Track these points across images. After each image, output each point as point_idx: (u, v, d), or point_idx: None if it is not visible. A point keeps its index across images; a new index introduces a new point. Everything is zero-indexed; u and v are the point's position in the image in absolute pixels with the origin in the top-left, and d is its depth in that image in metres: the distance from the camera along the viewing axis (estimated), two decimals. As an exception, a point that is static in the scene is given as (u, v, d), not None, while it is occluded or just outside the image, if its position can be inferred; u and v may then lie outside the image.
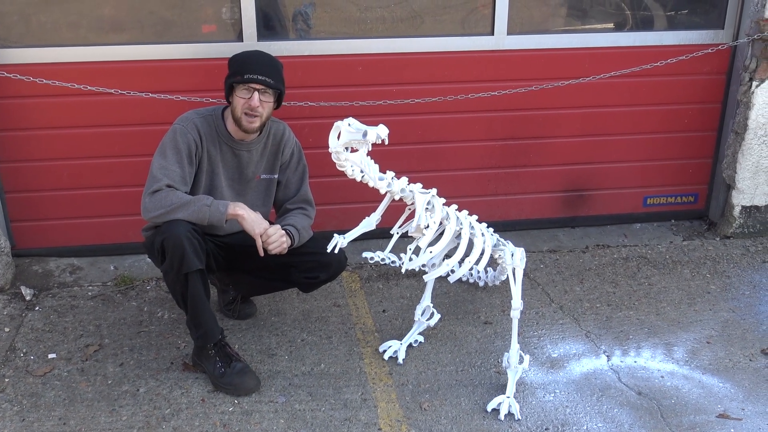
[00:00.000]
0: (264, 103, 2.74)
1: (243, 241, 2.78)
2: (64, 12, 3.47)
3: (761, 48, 3.83)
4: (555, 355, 3.04)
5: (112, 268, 3.72)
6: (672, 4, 4.09)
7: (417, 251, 2.63)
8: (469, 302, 3.45)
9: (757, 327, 3.26)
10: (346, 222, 3.79)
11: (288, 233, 2.79)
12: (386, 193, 2.56)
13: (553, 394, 2.78)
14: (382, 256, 3.53)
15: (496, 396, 2.69)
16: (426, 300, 3.02)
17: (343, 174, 2.43)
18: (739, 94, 3.98)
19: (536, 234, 4.17)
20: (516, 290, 2.69)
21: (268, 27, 3.63)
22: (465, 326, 3.25)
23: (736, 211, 4.12)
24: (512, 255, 2.75)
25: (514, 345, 2.71)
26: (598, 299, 3.49)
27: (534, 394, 2.78)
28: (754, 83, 3.89)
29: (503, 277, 3.30)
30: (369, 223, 2.65)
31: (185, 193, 2.72)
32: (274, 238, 2.70)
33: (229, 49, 3.09)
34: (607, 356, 3.03)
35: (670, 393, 2.79)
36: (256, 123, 2.75)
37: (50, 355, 2.99)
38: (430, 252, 2.59)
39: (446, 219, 2.66)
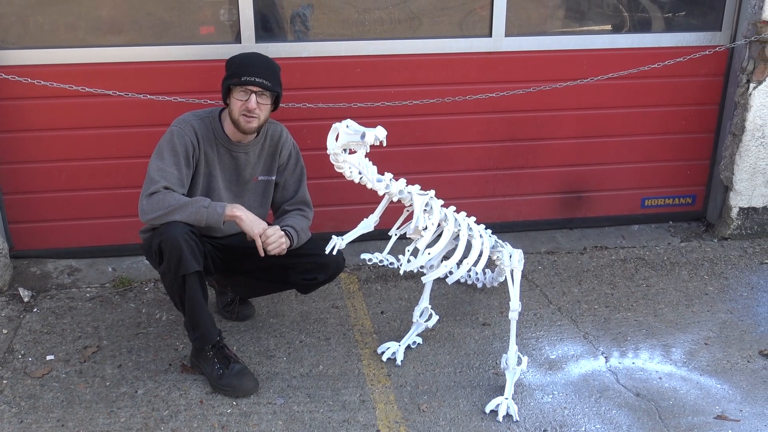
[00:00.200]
0: (261, 105, 2.74)
1: (241, 242, 2.78)
2: (63, 13, 3.47)
3: (758, 50, 3.84)
4: (553, 357, 3.04)
5: (110, 269, 3.71)
6: (669, 6, 4.10)
7: (415, 253, 2.64)
8: (468, 304, 3.46)
9: (754, 328, 3.26)
10: (344, 223, 3.79)
11: (287, 234, 2.79)
12: (384, 194, 2.56)
13: (551, 396, 2.78)
14: (381, 257, 3.53)
15: (494, 397, 2.69)
16: (424, 301, 3.02)
17: (341, 175, 2.43)
18: (737, 96, 3.99)
19: (534, 235, 4.17)
20: (514, 292, 2.69)
21: (266, 29, 3.63)
22: (463, 328, 3.25)
23: (734, 212, 4.13)
24: (510, 256, 2.75)
25: (513, 346, 2.72)
26: (596, 301, 3.50)
27: (532, 395, 2.79)
28: (752, 85, 3.89)
29: (501, 279, 3.31)
30: (367, 225, 2.65)
31: (183, 194, 2.72)
32: (273, 239, 2.70)
33: (227, 51, 3.09)
34: (605, 357, 3.03)
35: (668, 394, 2.79)
36: (254, 123, 2.75)
37: (48, 357, 2.98)
38: (429, 253, 2.59)
39: (444, 220, 2.66)
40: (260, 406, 2.69)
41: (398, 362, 2.96)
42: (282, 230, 2.78)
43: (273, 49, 3.49)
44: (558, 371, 2.94)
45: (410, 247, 2.64)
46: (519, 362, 2.74)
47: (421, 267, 3.14)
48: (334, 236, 2.63)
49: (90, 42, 3.50)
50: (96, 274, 3.68)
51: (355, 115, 3.42)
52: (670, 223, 4.37)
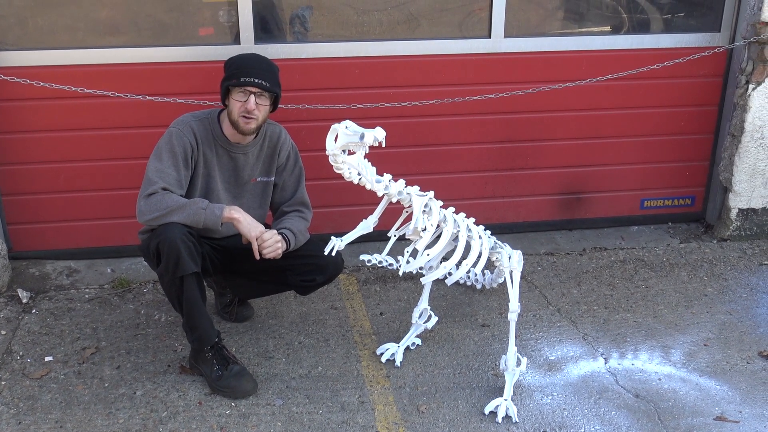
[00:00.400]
0: (260, 106, 2.74)
1: (239, 243, 2.78)
2: (62, 15, 3.46)
3: (757, 51, 3.84)
4: (552, 358, 3.04)
5: (109, 270, 3.71)
6: (668, 7, 4.10)
7: (414, 254, 2.63)
8: (467, 305, 3.45)
9: (754, 329, 3.26)
10: (343, 224, 3.79)
11: (284, 237, 2.79)
12: (384, 195, 2.55)
13: (550, 397, 2.78)
14: (380, 258, 3.54)
15: (493, 399, 2.69)
16: (423, 302, 3.02)
17: (340, 176, 2.43)
18: (736, 97, 3.99)
19: (533, 237, 4.17)
20: (513, 293, 2.69)
21: (266, 30, 3.63)
22: (462, 329, 3.24)
23: (733, 213, 4.13)
24: (509, 257, 2.75)
25: (512, 348, 2.72)
26: (596, 302, 3.49)
27: (531, 396, 2.78)
28: (751, 86, 3.90)
29: (500, 280, 3.30)
30: (366, 226, 2.65)
31: (181, 195, 2.72)
32: (269, 243, 2.70)
33: (226, 52, 3.09)
34: (605, 359, 3.03)
35: (667, 395, 2.79)
36: (253, 124, 2.75)
37: (47, 358, 2.98)
38: (428, 254, 2.59)
39: (443, 221, 2.66)
40: (259, 407, 2.69)
41: (397, 363, 2.95)
42: (279, 233, 2.78)
43: (272, 51, 3.49)
44: (557, 372, 2.94)
45: (409, 248, 2.64)
46: (518, 363, 2.74)
47: (420, 268, 3.13)
48: (333, 237, 2.62)
49: (89, 43, 3.50)
50: (95, 275, 3.67)
51: (354, 116, 3.42)
52: (670, 224, 4.37)
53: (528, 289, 3.60)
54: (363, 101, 3.70)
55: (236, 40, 3.57)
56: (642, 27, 4.09)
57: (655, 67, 3.93)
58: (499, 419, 2.62)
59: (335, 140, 2.29)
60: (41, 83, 3.38)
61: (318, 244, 2.81)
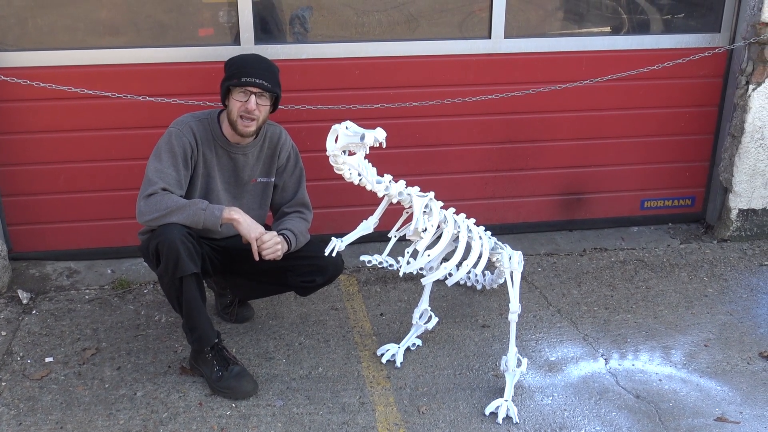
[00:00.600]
0: (260, 106, 2.74)
1: (239, 244, 2.78)
2: (62, 15, 3.46)
3: (757, 51, 3.84)
4: (553, 359, 3.03)
5: (109, 271, 3.71)
6: (669, 7, 4.10)
7: (415, 254, 2.63)
8: (467, 305, 3.45)
9: (754, 330, 3.26)
10: (343, 225, 3.77)
11: (285, 238, 2.79)
12: (384, 196, 2.55)
13: (551, 398, 2.78)
14: (380, 259, 3.54)
15: (494, 399, 2.69)
16: (424, 303, 3.02)
17: (340, 177, 2.43)
18: (736, 98, 3.99)
19: (534, 237, 4.17)
20: (514, 293, 2.69)
21: (266, 30, 3.63)
22: (463, 330, 3.24)
23: (733, 214, 4.13)
24: (510, 258, 2.75)
25: (512, 348, 2.72)
26: (596, 302, 3.49)
27: (532, 397, 2.78)
28: (751, 86, 3.90)
29: (501, 281, 3.30)
30: (367, 227, 2.64)
31: (181, 196, 2.72)
32: (269, 245, 2.69)
33: (226, 53, 3.09)
34: (605, 359, 3.03)
35: (668, 396, 2.79)
36: (252, 127, 2.75)
37: (47, 359, 2.98)
38: (428, 255, 2.59)
39: (444, 222, 2.66)
40: (259, 408, 2.69)
41: (398, 364, 2.95)
42: (280, 234, 2.78)
43: (272, 51, 3.49)
44: (558, 373, 2.93)
45: (410, 249, 2.64)
46: (519, 364, 2.74)
47: (421, 269, 3.13)
48: (333, 238, 2.62)
49: (89, 44, 3.50)
50: (95, 276, 3.67)
51: (355, 116, 3.42)
52: (670, 224, 4.37)
53: (528, 290, 3.60)
54: (363, 102, 3.70)
55: (236, 40, 3.57)
56: (642, 27, 4.09)
57: (655, 67, 3.93)
58: (500, 420, 2.62)
59: (336, 141, 2.29)
60: (41, 84, 3.38)
61: (318, 245, 2.81)
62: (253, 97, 2.70)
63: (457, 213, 2.73)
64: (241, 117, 2.72)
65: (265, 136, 2.92)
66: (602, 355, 3.06)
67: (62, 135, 3.58)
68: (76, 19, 3.47)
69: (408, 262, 2.65)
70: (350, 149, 2.32)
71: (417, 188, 2.62)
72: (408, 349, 3.05)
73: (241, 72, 2.71)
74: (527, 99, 3.87)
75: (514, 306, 2.68)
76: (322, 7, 3.68)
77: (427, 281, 2.73)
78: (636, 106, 4.06)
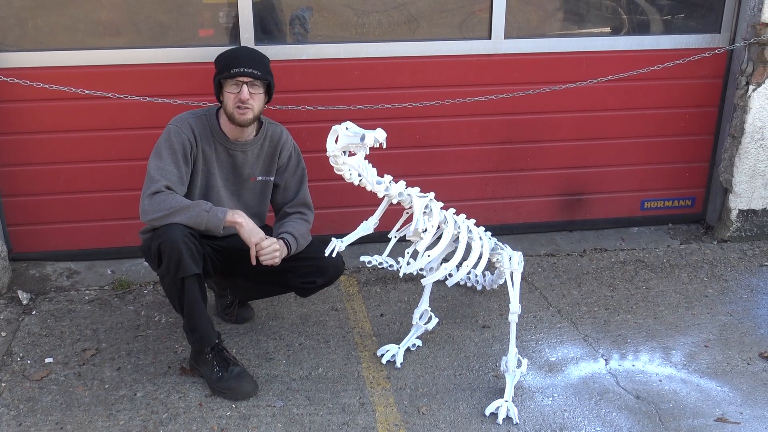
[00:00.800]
0: (254, 95, 2.74)
1: (240, 244, 2.78)
2: (62, 16, 3.46)
3: (758, 52, 3.84)
4: (553, 359, 3.03)
5: (109, 272, 3.71)
6: (669, 8, 4.10)
7: (415, 255, 2.63)
8: (467, 306, 3.45)
9: (754, 330, 3.26)
10: (343, 226, 3.78)
11: (285, 242, 2.79)
12: (384, 196, 2.55)
13: (551, 398, 2.78)
14: (380, 260, 3.54)
15: (494, 400, 2.69)
16: (424, 304, 3.02)
17: (340, 178, 2.43)
18: (736, 98, 3.99)
19: (534, 238, 4.17)
20: (514, 294, 2.69)
21: (266, 31, 3.63)
22: (463, 330, 3.24)
23: (734, 214, 4.13)
24: (510, 259, 2.75)
25: (512, 349, 2.71)
26: (596, 303, 3.49)
27: (532, 398, 2.78)
28: (751, 87, 3.90)
29: (501, 281, 3.30)
30: (367, 227, 2.64)
31: (183, 192, 2.72)
32: (267, 251, 2.70)
33: (226, 53, 3.09)
34: (605, 360, 3.03)
35: (668, 397, 2.79)
36: (249, 114, 2.75)
37: (47, 360, 2.98)
38: (428, 256, 2.59)
39: (444, 223, 2.66)
40: (259, 408, 2.69)
41: (398, 365, 2.95)
42: (281, 237, 2.79)
43: (272, 52, 3.48)
44: (558, 374, 2.93)
45: (410, 250, 2.64)
46: (519, 365, 2.74)
47: (421, 269, 3.13)
48: (333, 238, 2.62)
49: (89, 44, 3.50)
50: (95, 276, 3.67)
51: (355, 117, 3.42)
52: (670, 225, 4.37)
53: (528, 291, 3.60)
54: (363, 102, 3.70)
55: (236, 41, 3.57)
56: (642, 28, 4.09)
57: (655, 68, 3.93)
58: (500, 420, 2.62)
59: (336, 141, 2.29)
60: (41, 84, 3.38)
61: (318, 245, 2.81)
62: (245, 86, 2.71)
63: (457, 213, 2.73)
64: (237, 108, 2.73)
65: (266, 135, 2.92)
66: (602, 356, 3.06)
67: (62, 135, 3.58)
68: (76, 20, 3.47)
69: (408, 263, 2.65)
70: (350, 150, 2.32)
71: (417, 189, 2.62)
72: (408, 349, 3.05)
73: (230, 64, 2.72)
74: (527, 99, 3.87)
75: (515, 306, 2.67)
76: (322, 7, 3.68)
77: (428, 282, 2.73)
78: (636, 106, 4.06)
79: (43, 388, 2.79)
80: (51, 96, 3.45)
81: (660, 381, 2.89)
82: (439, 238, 2.68)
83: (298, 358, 3.01)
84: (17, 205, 3.66)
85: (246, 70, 2.70)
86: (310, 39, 3.73)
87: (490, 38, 3.80)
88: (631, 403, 2.75)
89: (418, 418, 2.65)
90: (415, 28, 3.78)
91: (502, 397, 2.69)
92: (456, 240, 2.71)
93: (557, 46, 3.88)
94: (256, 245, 2.68)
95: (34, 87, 3.37)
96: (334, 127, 2.29)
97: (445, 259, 2.77)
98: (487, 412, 2.66)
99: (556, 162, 4.10)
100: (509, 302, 2.68)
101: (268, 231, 2.88)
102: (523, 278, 3.56)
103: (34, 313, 3.34)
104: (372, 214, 2.65)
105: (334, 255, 2.63)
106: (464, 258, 2.66)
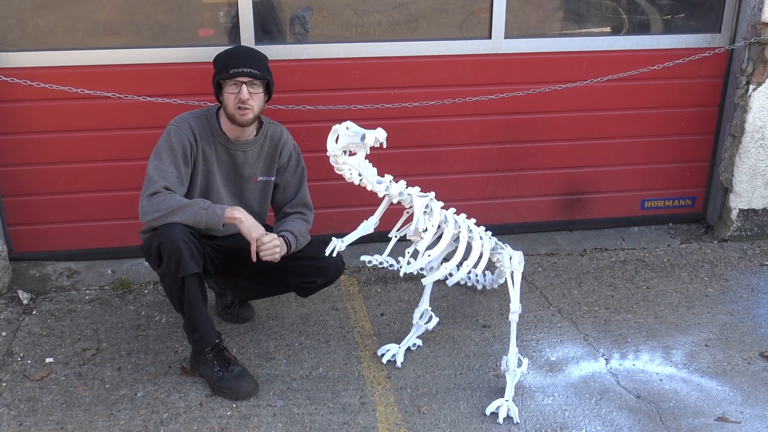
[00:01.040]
0: (253, 94, 2.73)
1: (240, 244, 2.78)
2: (62, 16, 3.46)
3: (758, 51, 3.84)
4: (553, 359, 3.03)
5: (109, 271, 3.71)
6: (669, 7, 4.10)
7: (415, 255, 2.63)
8: (468, 306, 3.45)
9: (755, 330, 3.26)
10: (344, 225, 3.78)
11: (285, 240, 2.79)
12: (384, 196, 2.55)
13: (551, 398, 2.78)
14: (380, 259, 3.54)
15: (494, 399, 2.69)
16: (424, 303, 3.02)
17: (341, 177, 2.43)
18: (736, 98, 3.99)
19: (534, 237, 4.17)
20: (514, 294, 2.69)
21: (266, 31, 3.63)
22: (463, 330, 3.24)
23: (734, 214, 4.13)
24: (510, 258, 2.75)
25: (513, 348, 2.71)
26: (597, 302, 3.49)
27: (533, 397, 2.78)
28: (751, 86, 3.90)
29: (501, 281, 3.30)
30: (367, 227, 2.65)
31: (183, 193, 2.72)
32: (267, 246, 2.69)
33: (226, 53, 3.09)
34: (606, 359, 3.03)
35: (668, 396, 2.79)
36: (249, 115, 2.75)
37: (47, 360, 2.98)
38: (429, 255, 2.59)
39: (444, 222, 2.66)
40: (260, 408, 2.69)
41: (398, 364, 2.95)
42: (281, 236, 2.79)
43: (272, 51, 3.48)
44: (558, 373, 2.93)
45: (410, 249, 2.64)
46: (519, 364, 2.74)
47: (421, 269, 3.13)
48: (333, 238, 2.62)
49: (89, 44, 3.50)
50: (95, 276, 3.67)
51: (355, 116, 3.42)
52: (670, 224, 4.37)
53: (529, 290, 3.60)
54: (363, 102, 3.70)
55: (236, 40, 3.57)
56: (642, 28, 4.09)
57: (655, 67, 3.93)
58: (501, 420, 2.62)
59: (336, 141, 2.29)
60: (41, 84, 3.38)
61: (319, 245, 2.81)
62: (244, 87, 2.71)
63: (457, 213, 2.73)
64: (237, 108, 2.72)
65: (266, 135, 2.92)
66: (603, 355, 3.06)
67: (62, 135, 3.58)
68: (76, 20, 3.47)
69: (408, 263, 2.65)
70: (351, 149, 2.32)
71: (417, 188, 2.62)
72: (408, 349, 3.05)
73: (229, 64, 2.71)
74: (527, 99, 3.87)
75: (515, 306, 2.67)
76: (323, 7, 3.68)
77: (428, 281, 2.73)
78: (636, 106, 4.06)
79: (43, 388, 2.79)
80: (51, 96, 3.45)
81: (660, 380, 2.89)
82: (440, 237, 2.68)
83: (298, 358, 3.01)
84: (17, 205, 3.66)
85: (245, 69, 2.70)
86: (310, 39, 3.73)
87: (490, 38, 3.80)
88: (632, 402, 2.75)
89: (418, 417, 2.65)
90: (415, 28, 3.78)
91: (502, 396, 2.69)
92: (456, 239, 2.71)
93: (557, 46, 3.88)
94: (256, 240, 2.68)
95: (35, 87, 3.37)
96: (334, 127, 2.29)
97: (446, 259, 2.77)
98: (488, 411, 2.66)
99: (556, 161, 4.10)
100: (510, 302, 2.68)
101: (269, 231, 2.88)
102: (523, 278, 3.56)
103: (34, 312, 3.34)
104: (372, 214, 2.65)
105: (334, 255, 2.63)
106: (465, 257, 2.66)
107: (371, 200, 2.80)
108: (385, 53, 3.72)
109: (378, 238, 2.99)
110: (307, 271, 2.88)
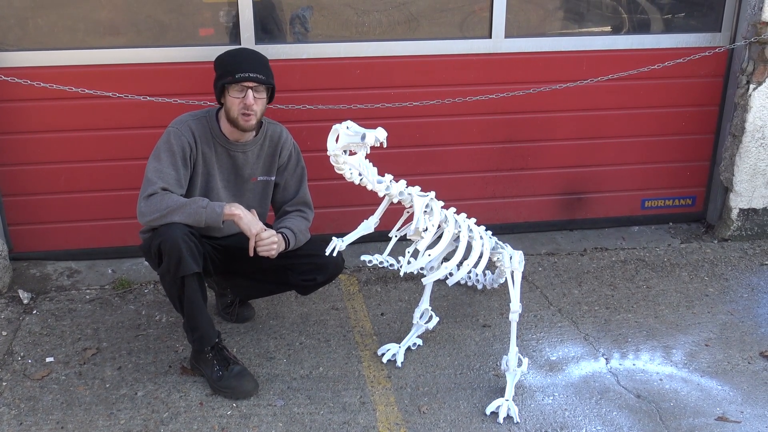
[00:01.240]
0: (258, 99, 2.73)
1: (240, 243, 2.78)
2: (62, 15, 3.46)
3: (758, 51, 3.84)
4: (554, 358, 3.03)
5: (110, 271, 3.71)
6: (669, 7, 4.10)
7: (415, 254, 2.63)
8: (468, 305, 3.45)
9: (755, 330, 3.26)
10: (344, 225, 3.79)
11: (284, 236, 2.79)
12: (385, 196, 2.55)
13: (551, 397, 2.78)
14: (381, 259, 3.53)
15: (494, 399, 2.69)
16: (424, 303, 3.02)
17: (341, 177, 2.43)
18: (737, 97, 3.99)
19: (534, 237, 4.17)
20: (514, 293, 2.69)
21: (266, 30, 3.63)
22: (463, 329, 3.24)
23: (734, 213, 4.13)
24: (510, 258, 2.75)
25: (513, 348, 2.71)
26: (597, 302, 3.49)
27: (533, 397, 2.78)
28: (751, 86, 3.89)
29: (501, 280, 3.30)
30: (367, 226, 2.65)
31: (181, 195, 2.72)
32: (265, 242, 2.70)
33: (227, 53, 3.09)
34: (606, 359, 3.03)
35: (668, 396, 2.79)
36: (253, 120, 2.75)
37: (48, 359, 2.98)
38: (429, 255, 2.59)
39: (444, 222, 2.66)
40: (260, 407, 2.69)
41: (398, 364, 2.95)
42: (279, 232, 2.79)
43: (272, 51, 3.48)
44: (558, 373, 2.93)
45: (410, 249, 2.64)
46: (519, 364, 2.74)
47: (422, 268, 3.13)
48: (334, 238, 2.62)
49: (89, 44, 3.50)
50: (95, 275, 3.67)
51: (355, 116, 3.42)
52: (670, 224, 4.37)
53: (529, 290, 3.60)
54: (364, 102, 3.70)
55: (236, 40, 3.57)
56: (642, 27, 4.08)
57: (655, 67, 3.93)
58: (501, 420, 2.62)
59: (336, 141, 2.29)
60: (42, 84, 3.38)
61: (319, 243, 2.81)
62: (250, 92, 2.70)
63: (457, 213, 2.73)
64: (242, 114, 2.72)
65: (266, 135, 2.92)
66: (603, 355, 3.06)
67: (63, 135, 3.58)
68: (76, 19, 3.47)
69: (409, 262, 2.65)
70: (351, 149, 2.32)
71: (418, 188, 2.62)
72: (409, 348, 3.05)
73: (235, 69, 2.70)
74: (528, 99, 3.87)
75: (515, 306, 2.67)
76: (323, 7, 3.68)
77: (428, 281, 2.73)
78: (636, 105, 4.06)
79: (44, 388, 2.79)
80: (51, 95, 3.45)
81: (661, 380, 2.89)
82: (440, 237, 2.68)
83: (298, 357, 3.01)
84: (18, 205, 3.66)
85: (251, 75, 2.69)
86: (310, 38, 3.73)
87: (490, 37, 3.80)
88: (632, 402, 2.75)
89: (418, 417, 2.65)
90: (416, 28, 3.78)
91: (502, 396, 2.69)
92: (456, 239, 2.71)
93: (558, 45, 3.88)
94: (255, 236, 2.68)
95: (35, 86, 3.37)
96: (334, 127, 2.29)
97: (446, 258, 2.77)
98: (488, 411, 2.66)
99: (556, 161, 4.10)
100: (510, 301, 2.68)
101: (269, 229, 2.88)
102: (523, 277, 3.57)
103: (34, 312, 3.34)
104: (372, 214, 2.65)
105: (334, 254, 2.63)
106: (465, 257, 2.66)
107: (371, 200, 2.80)
108: (385, 53, 3.72)
109: (378, 237, 2.99)
110: (306, 269, 2.88)
